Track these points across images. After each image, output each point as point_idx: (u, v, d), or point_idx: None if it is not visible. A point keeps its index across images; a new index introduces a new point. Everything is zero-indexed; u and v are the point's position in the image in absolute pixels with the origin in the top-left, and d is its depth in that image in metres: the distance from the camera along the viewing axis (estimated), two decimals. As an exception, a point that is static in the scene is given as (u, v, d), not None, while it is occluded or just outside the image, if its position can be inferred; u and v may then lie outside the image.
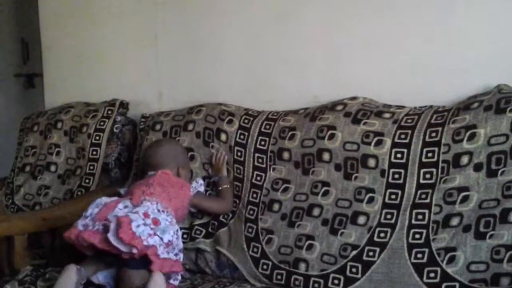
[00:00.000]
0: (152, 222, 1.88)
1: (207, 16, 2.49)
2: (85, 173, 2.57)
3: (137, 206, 1.94)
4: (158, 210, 1.96)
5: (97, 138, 2.58)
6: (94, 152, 2.57)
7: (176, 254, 1.93)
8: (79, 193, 2.53)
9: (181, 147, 2.29)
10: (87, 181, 2.54)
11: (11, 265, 2.09)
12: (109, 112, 2.62)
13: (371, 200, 1.98)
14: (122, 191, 2.21)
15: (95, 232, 1.86)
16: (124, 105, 2.63)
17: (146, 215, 1.89)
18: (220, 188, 2.23)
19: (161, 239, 1.86)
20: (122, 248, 1.80)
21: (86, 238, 1.85)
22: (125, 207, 1.94)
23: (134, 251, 1.80)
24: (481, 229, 1.78)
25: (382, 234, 1.92)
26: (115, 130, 2.58)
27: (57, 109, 2.78)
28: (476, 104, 1.91)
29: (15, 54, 4.39)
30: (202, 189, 2.23)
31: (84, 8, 2.81)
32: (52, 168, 2.66)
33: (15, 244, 2.07)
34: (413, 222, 1.89)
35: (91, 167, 2.56)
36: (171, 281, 1.92)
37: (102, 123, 2.60)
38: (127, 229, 1.81)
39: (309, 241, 2.01)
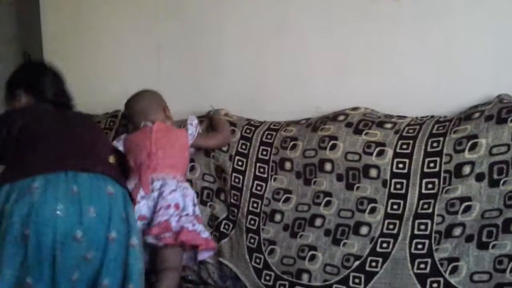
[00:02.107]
0: (174, 208, 2.04)
1: (209, 28, 2.50)
2: (87, 184, 2.56)
3: (152, 196, 2.07)
4: (174, 190, 2.07)
5: (100, 149, 2.58)
6: (97, 164, 2.57)
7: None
8: (81, 204, 2.53)
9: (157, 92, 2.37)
10: (89, 192, 2.54)
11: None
12: (112, 123, 2.62)
13: (373, 210, 1.98)
14: (120, 147, 2.25)
15: None
16: (126, 117, 2.63)
17: (168, 206, 2.03)
18: (216, 120, 2.31)
19: (187, 214, 2.05)
20: (154, 241, 2.01)
21: None
22: (142, 198, 2.07)
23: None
24: (484, 239, 1.78)
25: (384, 245, 1.92)
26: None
27: (59, 121, 2.78)
28: (477, 114, 1.91)
29: (17, 68, 4.38)
30: (197, 129, 2.26)
31: (86, 21, 2.82)
32: (55, 180, 2.66)
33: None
34: (416, 232, 1.89)
35: (94, 179, 2.56)
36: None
37: (104, 135, 2.60)
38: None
39: (312, 252, 2.01)
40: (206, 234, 2.08)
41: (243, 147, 2.25)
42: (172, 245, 2.02)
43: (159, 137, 2.17)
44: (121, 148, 2.25)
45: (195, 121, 2.26)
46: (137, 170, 2.13)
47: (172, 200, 2.04)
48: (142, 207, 2.05)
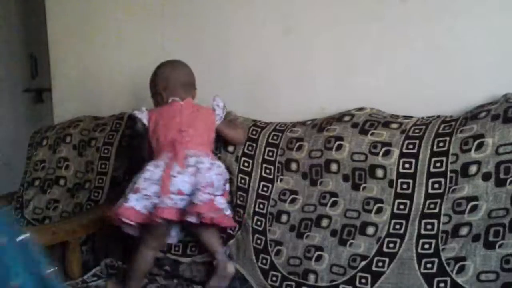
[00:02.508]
0: (210, 187, 2.03)
1: (214, 28, 2.51)
2: (94, 186, 2.57)
3: (187, 171, 2.05)
4: (209, 168, 2.07)
5: (106, 151, 2.59)
6: (103, 166, 2.58)
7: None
8: (88, 206, 2.54)
9: None
10: (96, 194, 2.55)
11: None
12: (118, 125, 2.63)
13: (379, 210, 1.97)
14: (144, 119, 2.19)
15: (170, 208, 2.00)
16: (132, 118, 2.64)
17: (206, 185, 2.03)
18: (231, 119, 2.30)
19: (221, 195, 2.08)
20: (195, 220, 2.00)
21: (164, 216, 1.99)
22: (178, 173, 2.04)
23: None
24: (491, 238, 1.78)
25: (391, 245, 1.92)
26: (123, 143, 2.59)
27: (65, 123, 2.79)
28: (483, 114, 1.91)
29: (24, 70, 4.41)
30: (224, 112, 2.23)
31: (92, 23, 2.83)
32: (61, 182, 2.67)
33: (25, 258, 2.07)
34: (422, 232, 1.88)
35: (100, 181, 2.57)
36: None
37: (110, 137, 2.61)
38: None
39: (318, 252, 2.01)
40: (228, 211, 2.12)
41: (249, 148, 2.26)
42: (207, 225, 2.05)
43: (189, 114, 2.16)
44: (145, 120, 2.19)
45: (222, 104, 2.22)
46: (170, 145, 2.11)
47: (209, 178, 2.04)
48: (180, 182, 2.02)
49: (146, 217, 2.02)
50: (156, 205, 2.01)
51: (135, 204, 2.03)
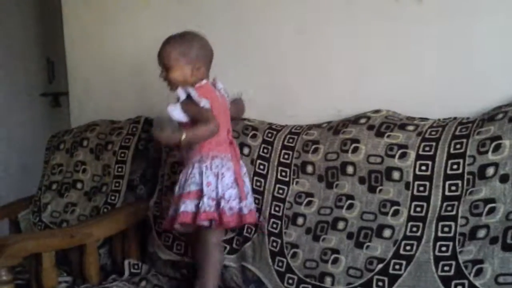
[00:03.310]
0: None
1: (230, 29, 2.51)
2: (110, 190, 2.59)
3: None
4: (244, 173, 2.12)
5: (122, 155, 2.61)
6: (120, 169, 2.59)
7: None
8: (105, 210, 2.55)
9: None
10: (112, 198, 2.57)
11: (39, 282, 2.11)
12: (134, 129, 2.64)
13: (396, 213, 1.97)
14: (207, 104, 1.90)
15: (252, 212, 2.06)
16: (148, 122, 2.65)
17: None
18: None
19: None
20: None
21: (252, 221, 2.07)
22: (244, 174, 2.08)
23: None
24: (509, 240, 1.76)
25: (408, 247, 1.91)
26: (140, 147, 2.60)
27: (82, 127, 2.82)
28: (500, 115, 1.89)
29: (41, 74, 4.45)
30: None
31: (109, 27, 2.85)
32: (79, 185, 2.69)
33: (43, 261, 2.09)
34: (439, 234, 1.87)
35: (117, 184, 2.58)
36: None
37: (127, 140, 2.62)
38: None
39: (335, 255, 2.00)
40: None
41: (265, 151, 2.26)
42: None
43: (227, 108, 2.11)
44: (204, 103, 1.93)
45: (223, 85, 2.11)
46: (227, 141, 2.05)
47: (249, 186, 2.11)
48: (249, 185, 2.05)
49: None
50: (232, 208, 2.00)
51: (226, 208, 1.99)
